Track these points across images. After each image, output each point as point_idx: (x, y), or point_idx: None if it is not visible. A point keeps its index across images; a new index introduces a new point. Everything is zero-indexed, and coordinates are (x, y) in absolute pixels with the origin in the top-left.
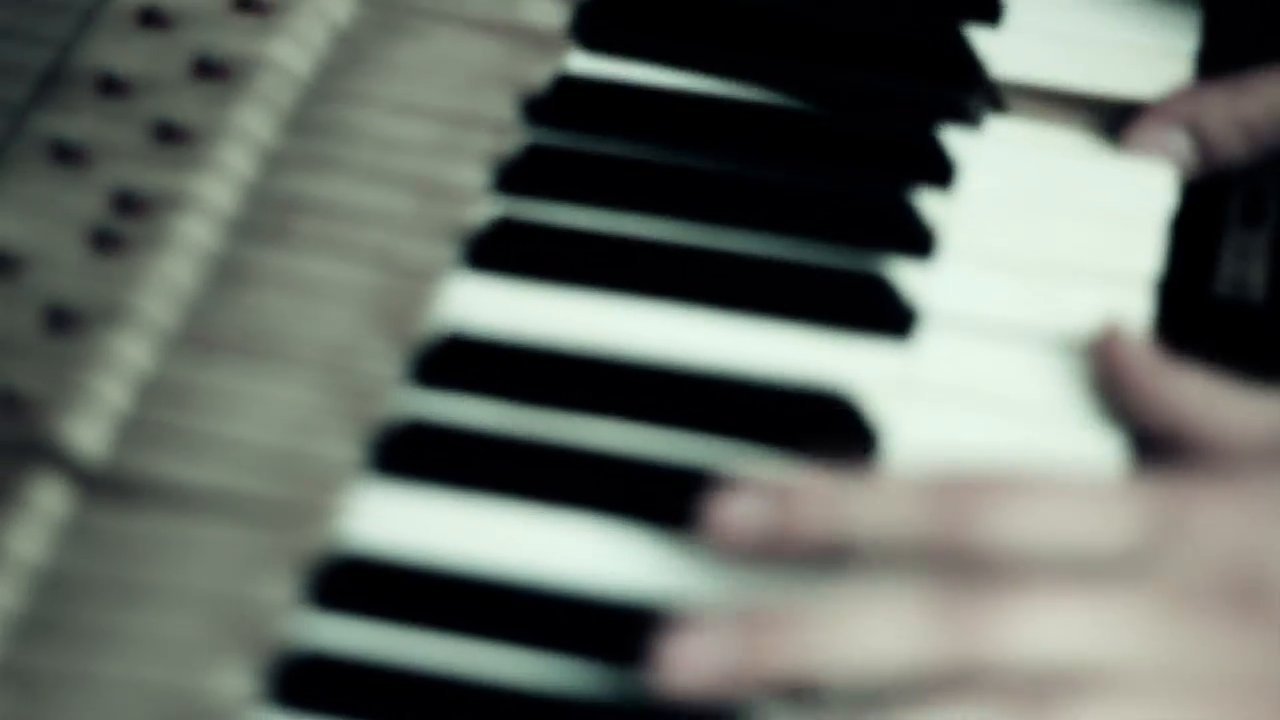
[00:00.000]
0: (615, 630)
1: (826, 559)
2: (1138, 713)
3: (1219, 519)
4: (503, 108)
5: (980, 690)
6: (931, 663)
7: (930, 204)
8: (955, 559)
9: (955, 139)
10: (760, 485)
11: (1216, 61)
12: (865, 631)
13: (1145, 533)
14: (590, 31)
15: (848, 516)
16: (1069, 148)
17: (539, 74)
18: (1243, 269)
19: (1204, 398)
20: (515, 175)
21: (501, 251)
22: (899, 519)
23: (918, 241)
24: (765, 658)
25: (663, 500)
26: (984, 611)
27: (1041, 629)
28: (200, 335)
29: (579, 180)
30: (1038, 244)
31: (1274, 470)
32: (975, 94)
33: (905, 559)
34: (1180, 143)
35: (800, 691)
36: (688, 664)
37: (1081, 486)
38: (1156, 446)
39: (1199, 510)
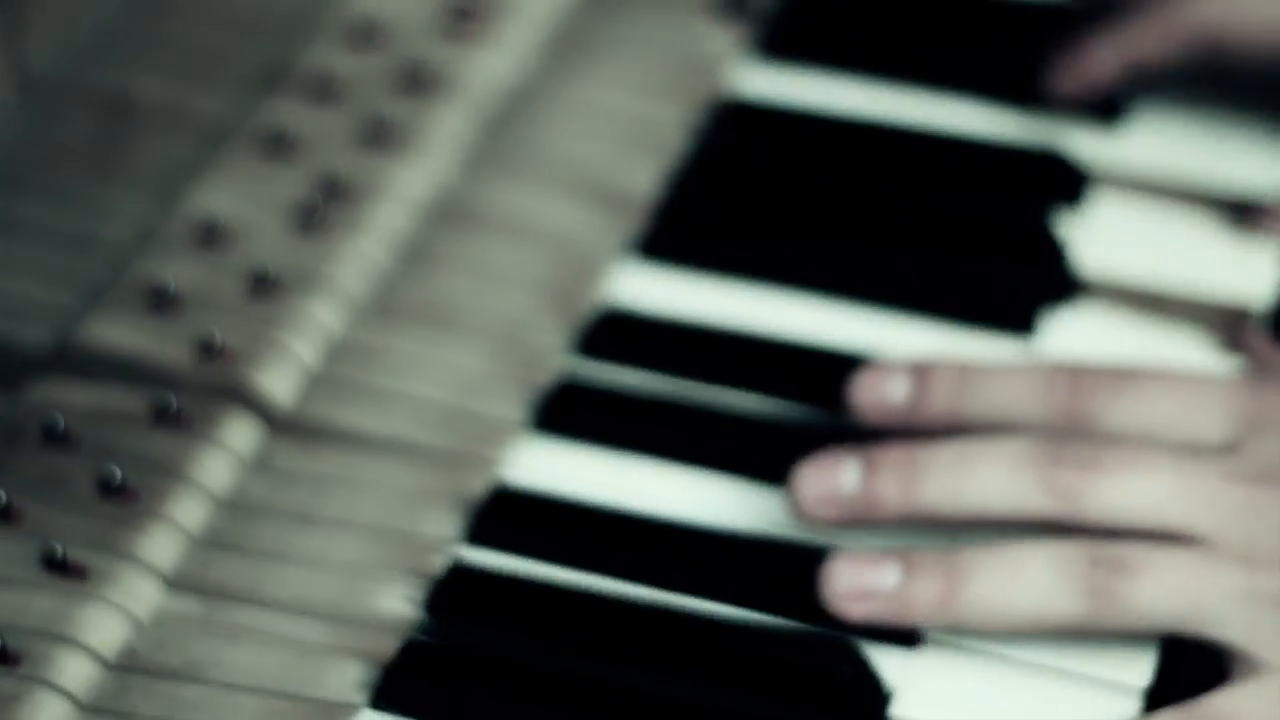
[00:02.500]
0: (731, 561)
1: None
2: (1195, 573)
3: None
4: (680, 114)
5: (1059, 542)
6: (1034, 507)
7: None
8: (1069, 433)
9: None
10: (899, 364)
11: None
12: (981, 475)
13: (1237, 424)
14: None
15: (977, 394)
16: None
17: (719, 86)
18: None
19: None
20: (683, 182)
21: (664, 243)
22: (1023, 399)
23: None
24: (890, 490)
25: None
26: (1087, 468)
27: (1135, 489)
28: (387, 306)
29: (741, 192)
30: None
31: None
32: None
33: (1025, 432)
34: None
35: None
36: (824, 490)
37: (1185, 381)
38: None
39: None
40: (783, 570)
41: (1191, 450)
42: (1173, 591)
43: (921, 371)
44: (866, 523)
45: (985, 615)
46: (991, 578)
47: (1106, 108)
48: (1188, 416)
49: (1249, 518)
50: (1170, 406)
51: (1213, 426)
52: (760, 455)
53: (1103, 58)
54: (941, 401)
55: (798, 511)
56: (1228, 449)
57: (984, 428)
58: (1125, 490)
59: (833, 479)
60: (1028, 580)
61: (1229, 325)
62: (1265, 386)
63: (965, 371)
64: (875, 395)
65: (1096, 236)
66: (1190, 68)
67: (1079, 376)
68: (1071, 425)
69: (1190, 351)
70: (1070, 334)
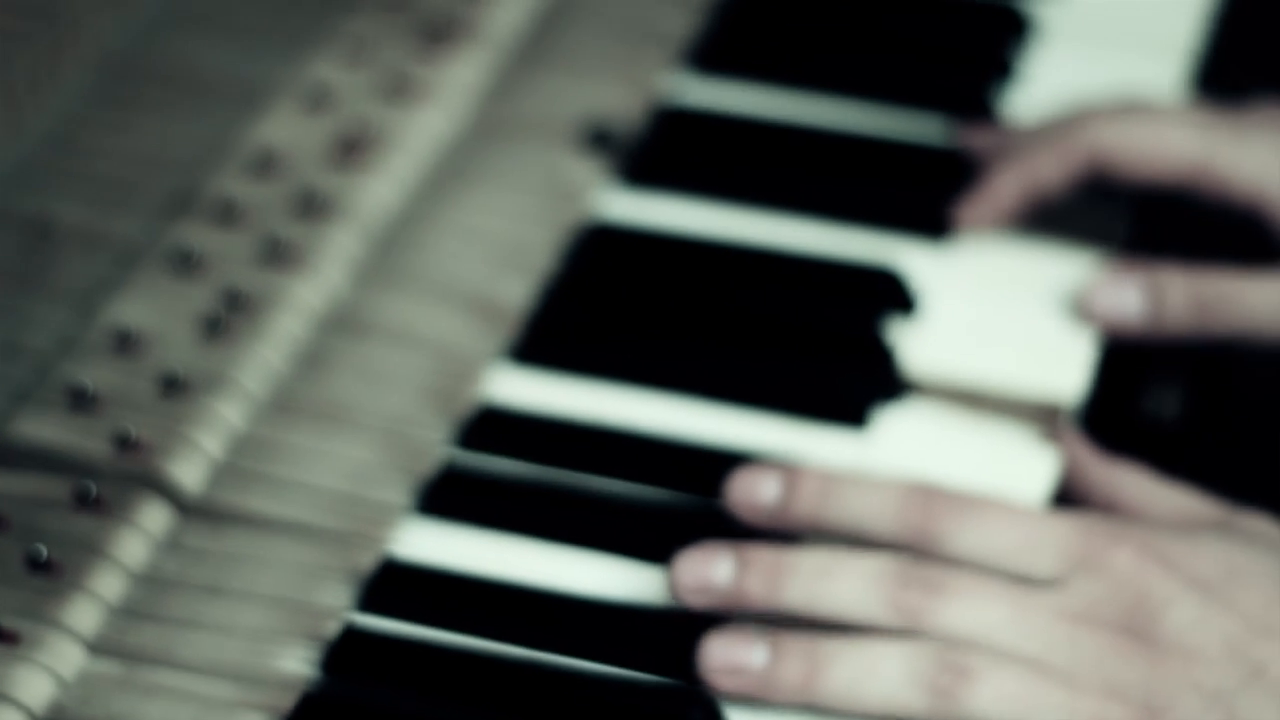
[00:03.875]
0: (596, 622)
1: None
2: (1026, 688)
3: (1128, 566)
4: (549, 236)
5: (910, 644)
6: (882, 621)
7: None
8: (917, 550)
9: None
10: (771, 468)
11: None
12: (838, 586)
13: (1066, 562)
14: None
15: (839, 504)
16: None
17: (585, 210)
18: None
19: (1131, 483)
20: (552, 295)
21: (535, 349)
22: (880, 513)
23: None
24: (757, 588)
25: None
26: (931, 591)
27: (972, 614)
28: (285, 404)
29: (604, 304)
30: None
31: (1181, 539)
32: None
33: (877, 543)
34: (1136, 301)
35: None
36: (698, 581)
37: (1025, 516)
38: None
39: (1113, 555)
40: (643, 630)
41: (1025, 581)
42: (1007, 699)
43: (791, 477)
44: (734, 612)
45: (841, 702)
46: (848, 670)
47: (937, 224)
48: (1024, 551)
49: (1072, 650)
50: (1009, 539)
51: (1045, 562)
52: (621, 533)
53: (1006, 186)
54: (806, 507)
55: (673, 595)
56: (1057, 583)
57: (843, 535)
58: (963, 614)
59: (707, 571)
60: (880, 676)
61: (1047, 420)
62: (1095, 528)
63: (830, 481)
64: (747, 495)
65: (928, 340)
66: (1083, 190)
67: (931, 500)
68: (921, 542)
69: (1009, 445)
70: (900, 428)
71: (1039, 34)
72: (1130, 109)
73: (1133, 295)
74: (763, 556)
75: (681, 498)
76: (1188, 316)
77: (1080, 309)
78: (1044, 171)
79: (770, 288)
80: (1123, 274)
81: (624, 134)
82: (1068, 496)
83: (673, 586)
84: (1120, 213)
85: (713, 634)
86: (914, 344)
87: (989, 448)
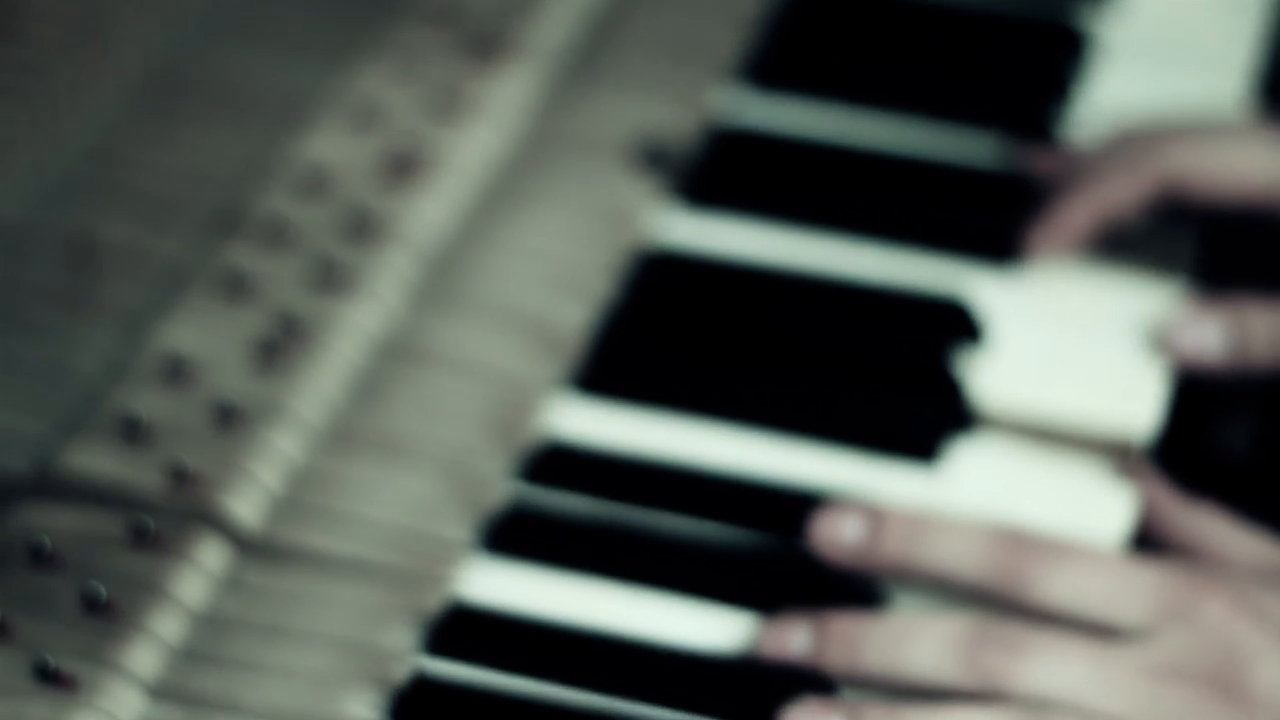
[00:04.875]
0: (671, 669)
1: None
2: None
3: (1219, 617)
4: (606, 259)
5: (992, 708)
6: (962, 685)
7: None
8: (1003, 596)
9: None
10: (857, 508)
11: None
12: (916, 652)
13: (1154, 613)
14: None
15: (925, 546)
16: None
17: (641, 232)
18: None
19: (1211, 527)
20: (612, 323)
21: (597, 380)
22: (966, 557)
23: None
24: (835, 657)
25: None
26: (1010, 651)
27: (1053, 674)
28: (342, 435)
29: (665, 334)
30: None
31: (1273, 590)
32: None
33: (963, 587)
34: (1220, 338)
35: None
36: (777, 651)
37: (1114, 563)
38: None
39: (1204, 606)
40: (721, 678)
41: (1110, 632)
42: None
43: (875, 518)
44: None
45: None
46: None
47: (1004, 250)
48: (1113, 599)
49: (1158, 707)
50: (1098, 587)
51: (1134, 612)
52: (694, 575)
53: (1077, 210)
54: (892, 549)
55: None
56: (1143, 635)
57: (928, 577)
58: (1044, 674)
59: (784, 644)
60: None
61: (1120, 455)
62: (1188, 578)
63: (915, 523)
64: (831, 536)
65: (996, 372)
66: (1154, 214)
67: (1019, 545)
68: (1007, 588)
69: (1085, 483)
70: (971, 463)
71: (1098, 52)
72: (1201, 130)
73: (1216, 332)
74: (840, 625)
75: (754, 537)
76: (1273, 353)
77: (1161, 347)
78: (1116, 196)
79: (835, 316)
80: (1205, 311)
81: (679, 153)
82: (1144, 538)
83: (753, 654)
84: (1189, 235)
85: (793, 707)
86: (982, 375)
87: (1064, 486)
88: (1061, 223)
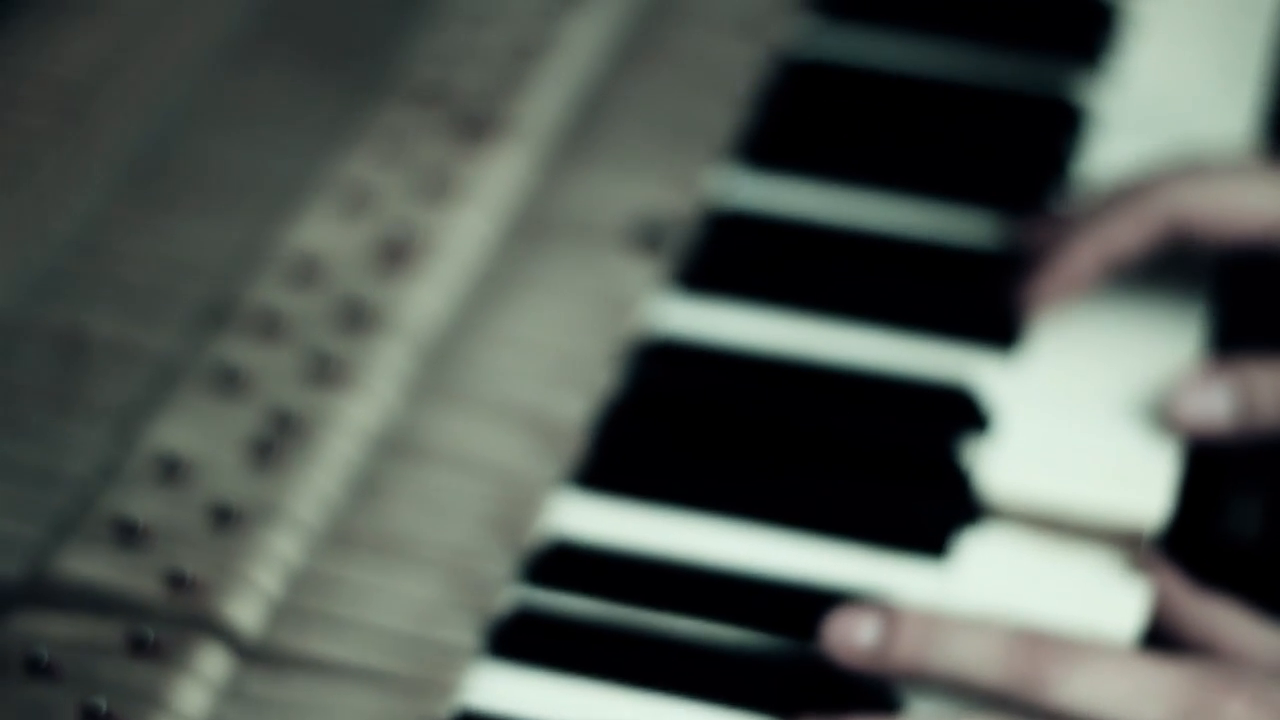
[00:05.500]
0: None
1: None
2: None
3: (1240, 718)
4: (604, 348)
5: None
6: None
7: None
8: (1018, 703)
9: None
10: (871, 609)
11: None
12: None
13: (1177, 713)
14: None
15: (941, 648)
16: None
17: (639, 320)
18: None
19: (1229, 620)
20: (612, 415)
21: (599, 476)
22: (984, 658)
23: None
24: None
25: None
26: None
27: None
28: (342, 536)
29: (666, 426)
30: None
31: None
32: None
33: (980, 690)
34: (1226, 404)
35: None
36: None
37: (1136, 663)
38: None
39: (1224, 706)
40: None
41: None
42: None
43: (890, 619)
44: None
45: None
46: None
47: (1006, 334)
48: (1133, 700)
49: None
50: (1118, 688)
51: (1153, 714)
52: (705, 678)
53: (1081, 256)
54: (907, 651)
55: None
56: None
57: (945, 679)
58: None
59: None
60: None
61: (1131, 544)
62: (1206, 678)
63: (931, 624)
64: (845, 638)
65: (1004, 461)
66: (1159, 255)
67: (1037, 646)
68: (1026, 691)
69: (1098, 576)
70: (981, 557)
71: (1096, 125)
72: (1205, 169)
73: (1222, 398)
74: None
75: (765, 639)
76: None
77: (1165, 416)
78: (1121, 240)
79: (839, 406)
80: (1209, 375)
81: (675, 236)
82: (1157, 630)
83: None
84: (1202, 276)
85: None
86: (990, 465)
87: (1077, 581)
88: (1066, 269)
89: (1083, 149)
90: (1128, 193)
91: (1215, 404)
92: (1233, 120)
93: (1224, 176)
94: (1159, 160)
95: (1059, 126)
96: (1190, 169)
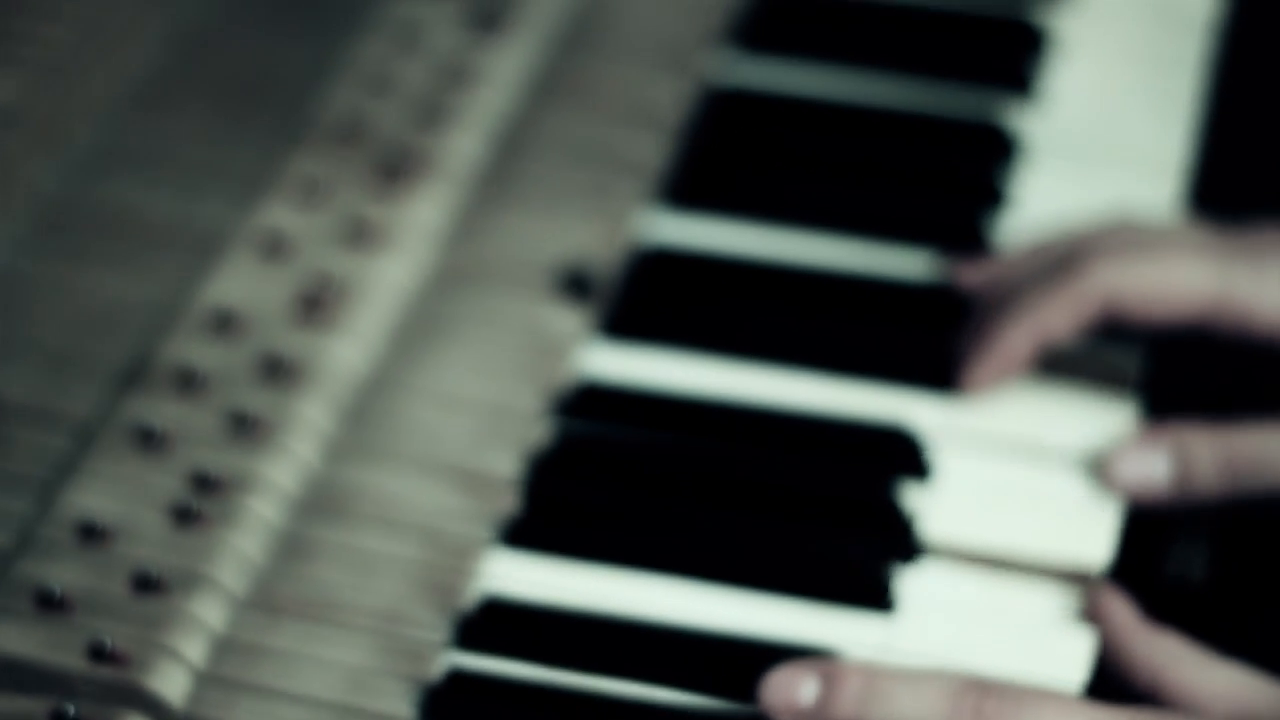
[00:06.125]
0: None
1: None
2: None
3: None
4: (532, 398)
5: None
6: None
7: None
8: None
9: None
10: (810, 666)
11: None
12: None
13: None
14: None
15: (883, 702)
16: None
17: (568, 368)
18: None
19: (1177, 660)
20: (542, 468)
21: (529, 532)
22: (929, 712)
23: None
24: None
25: None
26: None
27: None
28: (267, 601)
29: (598, 476)
30: None
31: None
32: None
33: None
34: (1163, 470)
35: None
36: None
37: (1084, 706)
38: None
39: None
40: None
41: None
42: None
43: (831, 675)
44: None
45: None
46: None
47: (945, 375)
48: None
49: None
50: None
51: None
52: None
53: (1014, 340)
54: (850, 708)
55: None
56: None
57: None
58: None
59: None
60: None
61: (1076, 586)
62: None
63: (873, 678)
64: (784, 697)
65: (945, 504)
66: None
67: (983, 694)
68: None
69: (1043, 620)
70: (924, 603)
71: (1027, 153)
72: (1133, 245)
73: (1159, 463)
74: None
75: (703, 700)
76: (1218, 481)
77: (1105, 477)
78: (1053, 320)
79: (775, 452)
80: (1147, 440)
81: (602, 278)
82: (1105, 670)
83: None
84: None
85: None
86: (931, 508)
87: (1021, 626)
88: (1000, 352)
89: (1015, 176)
90: (1057, 267)
91: (1152, 470)
92: (1165, 144)
93: (1155, 253)
94: (1090, 211)
95: (991, 155)
96: (1119, 242)
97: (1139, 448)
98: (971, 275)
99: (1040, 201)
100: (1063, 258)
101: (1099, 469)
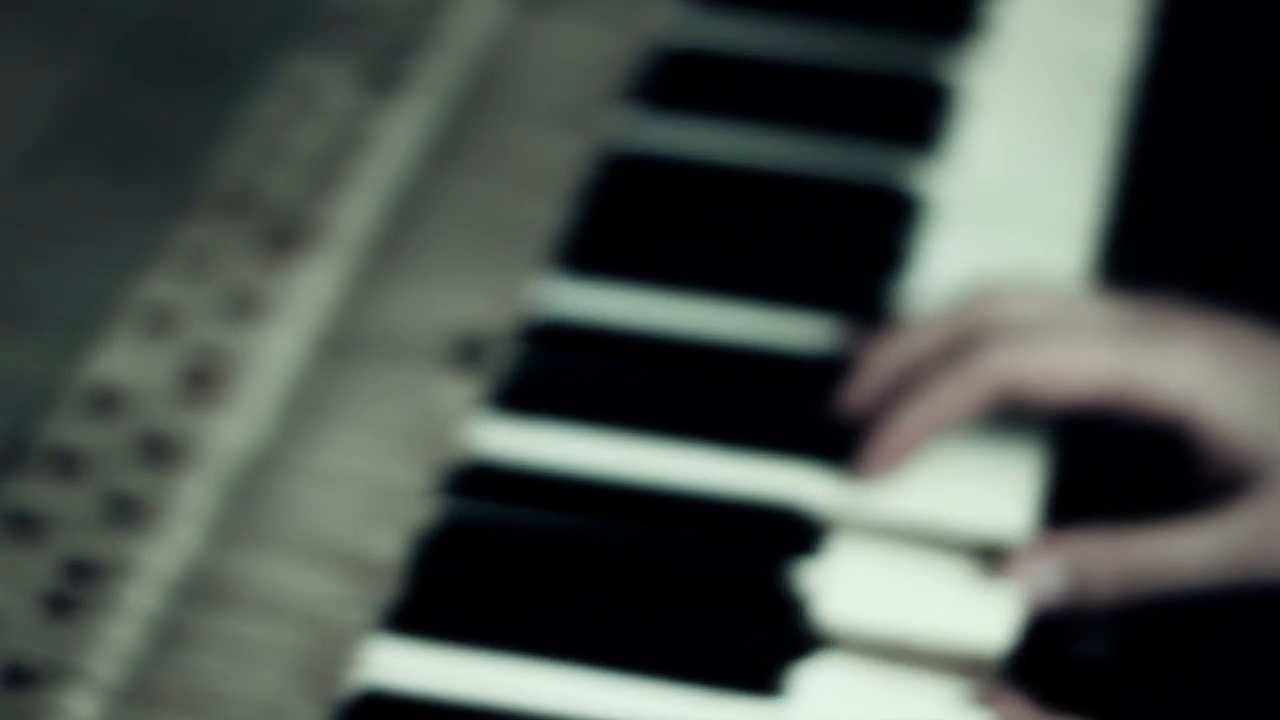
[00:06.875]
0: None
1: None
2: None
3: None
4: (419, 476)
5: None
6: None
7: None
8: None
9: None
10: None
11: None
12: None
13: None
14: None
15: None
16: None
17: (457, 444)
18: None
19: None
20: (427, 551)
21: (413, 618)
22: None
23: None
24: None
25: None
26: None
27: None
28: (143, 693)
29: (484, 561)
30: None
31: None
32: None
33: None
34: (1058, 581)
35: None
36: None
37: None
38: None
39: None
40: None
41: None
42: None
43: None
44: None
45: None
46: None
47: (842, 452)
48: None
49: None
50: None
51: None
52: None
53: (911, 426)
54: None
55: None
56: None
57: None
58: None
59: None
60: None
61: (975, 675)
62: None
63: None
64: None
65: (840, 586)
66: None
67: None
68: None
69: (939, 710)
70: (817, 691)
71: (935, 213)
72: (1035, 324)
73: (1054, 574)
74: None
75: None
76: (1112, 588)
77: (1001, 580)
78: (950, 407)
79: (668, 531)
80: (1042, 552)
81: (495, 351)
82: None
83: None
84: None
85: None
86: (826, 591)
87: (918, 713)
88: (896, 439)
89: (920, 242)
90: (956, 349)
91: (1048, 583)
92: (1075, 204)
93: (1054, 337)
94: (998, 273)
95: (893, 219)
96: (1021, 321)
97: (1034, 560)
98: (870, 348)
99: (947, 263)
100: (961, 338)
101: (995, 570)
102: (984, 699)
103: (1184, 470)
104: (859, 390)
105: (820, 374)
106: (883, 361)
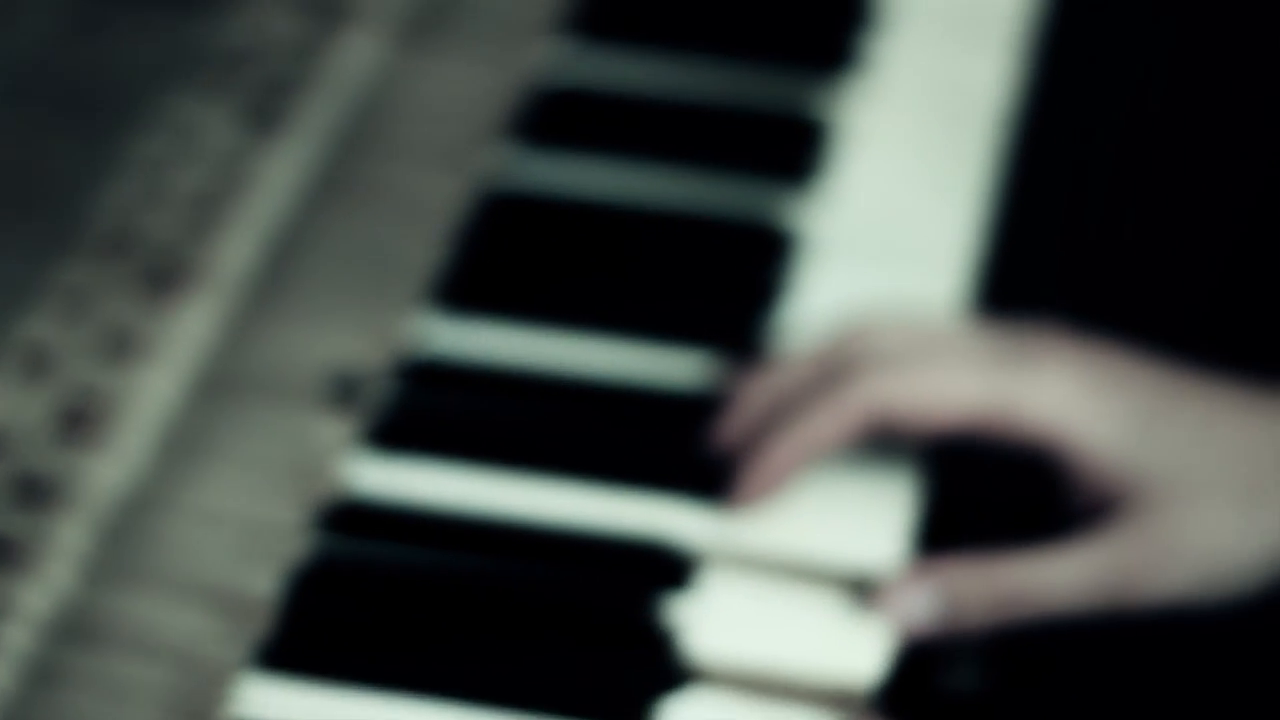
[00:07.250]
0: None
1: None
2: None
3: None
4: (294, 514)
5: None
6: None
7: None
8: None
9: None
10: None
11: None
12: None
13: None
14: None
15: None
16: None
17: (332, 482)
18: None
19: None
20: (298, 588)
21: (284, 655)
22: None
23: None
24: None
25: None
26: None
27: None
28: None
29: (357, 598)
30: None
31: None
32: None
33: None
34: (930, 609)
35: None
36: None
37: None
38: None
39: None
40: None
41: None
42: None
43: (741, 391)
44: None
45: None
46: None
47: (713, 486)
48: None
49: None
50: None
51: None
52: None
53: (784, 456)
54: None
55: None
56: None
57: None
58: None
59: None
60: None
61: (845, 706)
62: None
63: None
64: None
65: (711, 620)
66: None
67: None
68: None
69: None
70: None
71: (810, 247)
72: (906, 353)
73: (927, 604)
74: None
75: None
76: (985, 615)
77: (873, 611)
78: (821, 436)
79: (539, 567)
80: (915, 580)
81: (370, 389)
82: None
83: None
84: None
85: None
86: (694, 625)
87: None
88: (769, 468)
89: (795, 278)
90: (828, 377)
91: (920, 611)
92: (951, 237)
93: (924, 365)
94: (873, 296)
95: (767, 255)
96: (891, 351)
97: (907, 588)
98: (743, 384)
99: (822, 298)
100: (832, 369)
101: (867, 601)
102: None
103: (1055, 496)
104: (731, 424)
105: (694, 410)
106: (755, 396)
